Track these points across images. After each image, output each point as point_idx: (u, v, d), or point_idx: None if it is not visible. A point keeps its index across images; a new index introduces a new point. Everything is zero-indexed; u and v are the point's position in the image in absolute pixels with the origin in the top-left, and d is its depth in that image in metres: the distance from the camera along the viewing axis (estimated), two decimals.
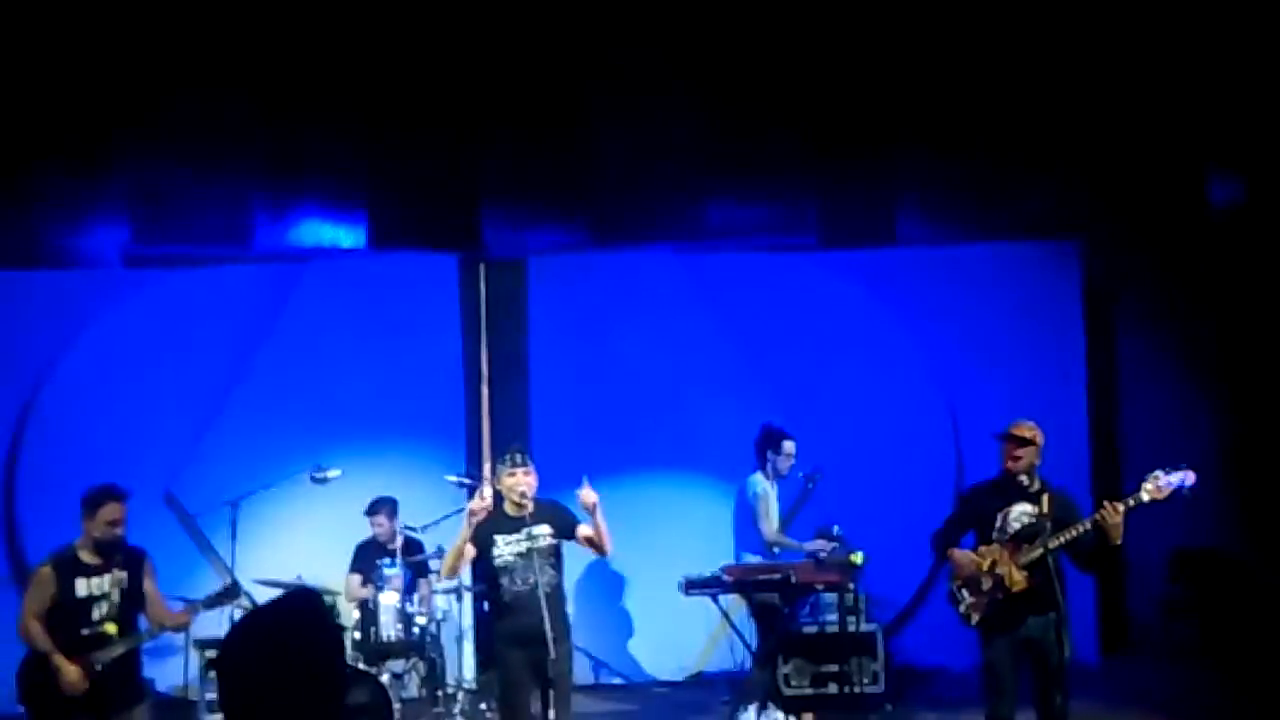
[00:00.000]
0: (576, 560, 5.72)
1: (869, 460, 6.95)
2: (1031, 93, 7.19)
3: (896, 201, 7.62)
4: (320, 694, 1.60)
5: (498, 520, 4.74)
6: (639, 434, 7.20)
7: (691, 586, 5.72)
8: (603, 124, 7.47)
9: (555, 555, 4.73)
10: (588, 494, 4.64)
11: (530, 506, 4.65)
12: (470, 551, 4.72)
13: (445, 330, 7.34)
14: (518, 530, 4.67)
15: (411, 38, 7.31)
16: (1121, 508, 4.25)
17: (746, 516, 6.13)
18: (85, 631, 4.28)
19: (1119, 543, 4.29)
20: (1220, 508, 6.30)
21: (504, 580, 4.64)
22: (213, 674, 5.88)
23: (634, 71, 7.37)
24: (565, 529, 4.75)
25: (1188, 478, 4.27)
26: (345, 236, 7.60)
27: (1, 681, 4.46)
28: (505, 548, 4.68)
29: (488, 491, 4.78)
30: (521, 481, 4.66)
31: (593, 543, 4.73)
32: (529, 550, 4.63)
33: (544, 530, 4.69)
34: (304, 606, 1.66)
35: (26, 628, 4.30)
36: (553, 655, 4.47)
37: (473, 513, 4.68)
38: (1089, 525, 4.33)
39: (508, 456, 4.79)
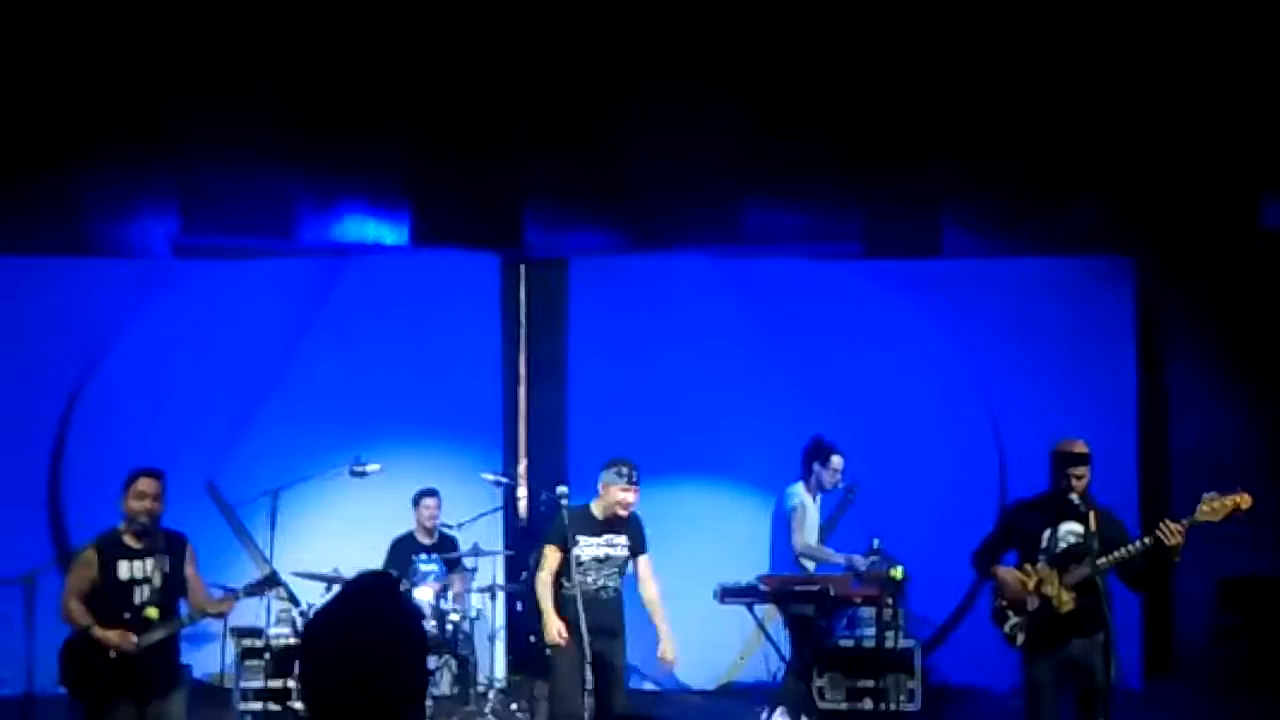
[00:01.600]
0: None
1: (910, 473, 6.86)
2: (1085, 107, 7.08)
3: (942, 211, 7.53)
4: (404, 680, 1.58)
5: (582, 520, 4.81)
6: (676, 439, 7.16)
7: (727, 595, 5.67)
8: (646, 127, 7.45)
9: (624, 566, 4.89)
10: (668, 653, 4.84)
11: (625, 514, 4.77)
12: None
13: (485, 329, 7.35)
14: (599, 534, 4.78)
15: (458, 38, 7.33)
16: (1183, 526, 4.16)
17: (783, 527, 6.06)
18: (127, 615, 4.32)
19: (1177, 561, 4.20)
20: (1271, 531, 6.15)
21: (576, 576, 4.70)
22: (249, 662, 5.93)
23: (678, 75, 7.34)
24: (638, 548, 4.92)
25: (1243, 500, 4.17)
26: (389, 233, 7.65)
27: (46, 663, 4.51)
28: (585, 548, 4.80)
29: (624, 495, 4.86)
30: (631, 499, 4.80)
31: (640, 573, 4.93)
32: (606, 557, 4.77)
33: (623, 541, 4.85)
34: (386, 593, 1.64)
35: (67, 607, 4.35)
36: (613, 650, 4.59)
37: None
38: (1145, 544, 4.23)
39: (623, 471, 4.85)
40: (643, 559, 4.91)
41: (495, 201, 7.62)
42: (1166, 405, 7.27)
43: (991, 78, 7.17)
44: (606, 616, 4.69)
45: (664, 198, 7.51)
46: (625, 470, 4.84)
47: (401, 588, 6.00)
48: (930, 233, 7.53)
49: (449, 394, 7.12)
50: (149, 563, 4.38)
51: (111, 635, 4.28)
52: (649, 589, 4.93)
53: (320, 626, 1.62)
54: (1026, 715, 4.47)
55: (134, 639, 4.28)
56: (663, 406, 7.18)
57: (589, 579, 4.72)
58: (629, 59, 7.39)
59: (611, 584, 4.77)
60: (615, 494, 4.79)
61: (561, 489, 4.84)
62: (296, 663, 5.49)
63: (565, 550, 4.77)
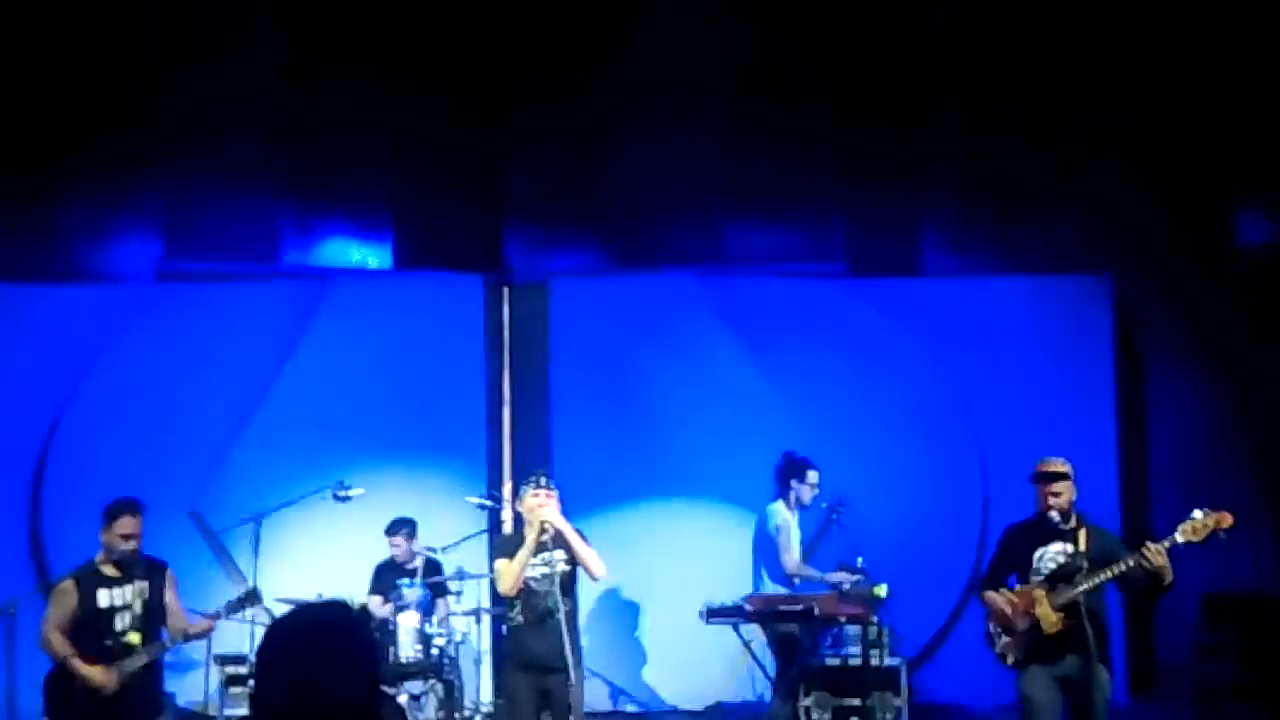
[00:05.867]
0: (596, 585, 5.69)
1: (894, 492, 6.88)
2: (1063, 124, 7.17)
3: (924, 231, 7.60)
4: (357, 705, 1.58)
5: (517, 543, 4.74)
6: (659, 459, 7.17)
7: (713, 615, 5.67)
8: (629, 148, 7.51)
9: (571, 581, 4.73)
10: (551, 514, 4.62)
11: (550, 531, 4.65)
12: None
13: (468, 351, 7.35)
14: (536, 554, 4.67)
15: (438, 60, 7.38)
16: (1164, 547, 4.20)
17: (767, 547, 6.07)
18: (109, 642, 4.31)
19: (1169, 581, 4.24)
20: (1253, 547, 6.20)
21: (520, 603, 4.64)
22: (233, 689, 5.89)
23: (661, 95, 7.41)
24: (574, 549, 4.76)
25: (1224, 520, 4.21)
26: (371, 256, 7.66)
27: (27, 693, 4.48)
28: (527, 571, 4.68)
29: (535, 500, 4.73)
30: (545, 503, 4.67)
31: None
32: (547, 575, 4.63)
33: (561, 555, 4.69)
34: (339, 618, 1.65)
35: (47, 639, 4.33)
36: (571, 680, 4.46)
37: (544, 521, 4.62)
38: (1129, 565, 4.27)
39: (532, 479, 4.81)
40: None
41: (477, 224, 7.64)
42: (1146, 420, 7.33)
43: (971, 97, 7.26)
44: (551, 647, 4.49)
45: (646, 218, 7.56)
46: (532, 479, 4.80)
47: (385, 610, 5.97)
48: (911, 252, 7.60)
49: (433, 417, 7.11)
50: (129, 590, 4.38)
51: (94, 673, 4.25)
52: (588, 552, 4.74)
53: (271, 636, 1.64)
54: None
55: (115, 679, 4.25)
56: (646, 426, 7.19)
57: (533, 606, 4.61)
58: (611, 79, 7.45)
59: (561, 604, 4.57)
60: (530, 503, 4.69)
61: None
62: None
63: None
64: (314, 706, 1.56)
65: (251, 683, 5.58)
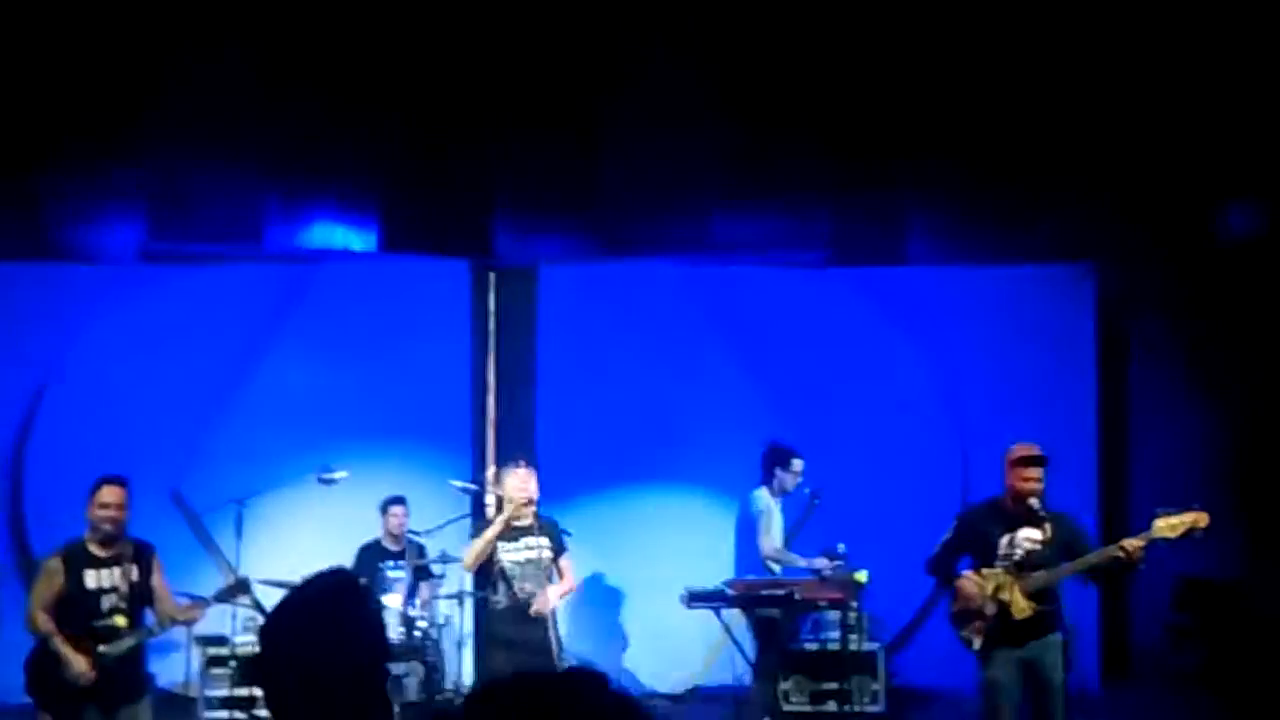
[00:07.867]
0: (579, 570, 5.72)
1: (874, 479, 6.94)
2: (1048, 115, 7.21)
3: (908, 221, 7.64)
4: (365, 675, 1.60)
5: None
6: (644, 445, 7.21)
7: (694, 599, 5.72)
8: (617, 134, 7.51)
9: (551, 569, 4.79)
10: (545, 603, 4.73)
11: (532, 517, 4.71)
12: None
13: (454, 336, 7.36)
14: (517, 539, 4.73)
15: (426, 43, 7.36)
16: (1142, 544, 4.25)
17: (749, 532, 6.12)
18: (95, 623, 4.31)
19: (1141, 568, 4.31)
20: (1229, 536, 6.28)
21: (501, 587, 4.68)
22: (214, 670, 5.90)
23: (649, 82, 7.41)
24: (558, 550, 4.88)
25: (1200, 519, 4.26)
26: (357, 240, 7.65)
27: (7, 671, 4.48)
28: (504, 555, 4.74)
29: (514, 482, 4.84)
30: (529, 485, 4.72)
31: (561, 572, 4.93)
32: (528, 560, 4.69)
33: (544, 543, 4.76)
34: (344, 587, 1.66)
35: (32, 617, 4.33)
36: (557, 664, 4.52)
37: (517, 504, 4.72)
38: (1110, 556, 4.31)
39: (511, 462, 4.87)
40: (564, 561, 4.91)
41: (465, 208, 7.63)
42: (1128, 412, 7.40)
43: (956, 88, 7.29)
44: (536, 632, 4.61)
45: (634, 205, 7.56)
46: (515, 459, 4.95)
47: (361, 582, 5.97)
48: (895, 241, 7.64)
49: (417, 401, 7.12)
50: (116, 571, 4.38)
51: (74, 659, 4.25)
52: (568, 584, 4.94)
53: (281, 622, 1.64)
54: (984, 715, 4.54)
55: (93, 673, 4.26)
56: (631, 414, 7.22)
57: (514, 589, 4.68)
58: (600, 67, 7.44)
59: (541, 589, 4.71)
60: (510, 483, 4.78)
61: None
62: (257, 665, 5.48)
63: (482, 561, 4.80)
64: (326, 676, 1.57)
65: (257, 659, 5.59)
